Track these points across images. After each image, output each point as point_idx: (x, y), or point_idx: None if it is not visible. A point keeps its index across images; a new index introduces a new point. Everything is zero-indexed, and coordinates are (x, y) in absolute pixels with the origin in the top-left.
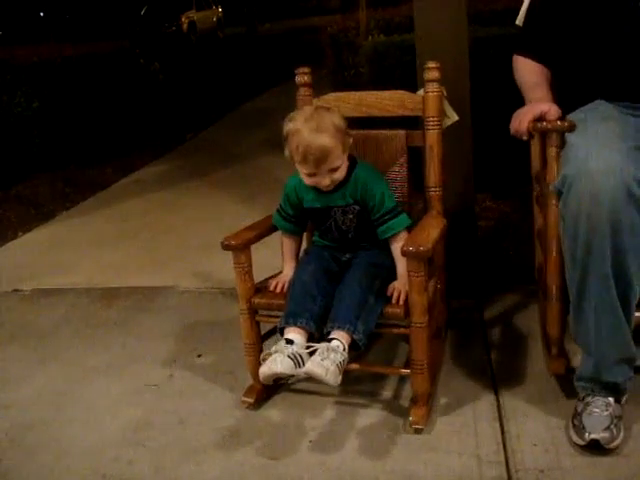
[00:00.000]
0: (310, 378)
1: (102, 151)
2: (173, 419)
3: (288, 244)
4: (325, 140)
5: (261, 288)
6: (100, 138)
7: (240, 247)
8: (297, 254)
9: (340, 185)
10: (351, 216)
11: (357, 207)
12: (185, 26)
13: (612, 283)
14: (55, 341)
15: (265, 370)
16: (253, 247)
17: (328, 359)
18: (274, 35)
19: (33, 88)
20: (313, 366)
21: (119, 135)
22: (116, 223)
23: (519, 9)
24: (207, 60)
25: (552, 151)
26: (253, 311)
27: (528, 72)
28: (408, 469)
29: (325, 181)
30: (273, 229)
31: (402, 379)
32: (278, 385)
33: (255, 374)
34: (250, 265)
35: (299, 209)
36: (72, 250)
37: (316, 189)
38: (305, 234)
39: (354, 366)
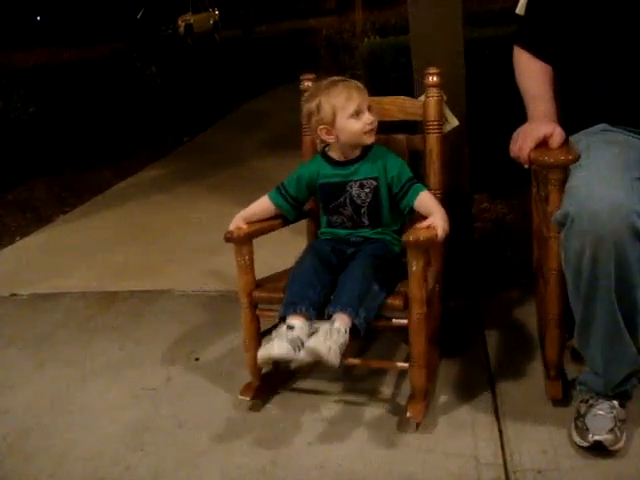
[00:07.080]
0: (310, 373)
1: (99, 155)
2: (171, 422)
3: (263, 204)
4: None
5: (261, 283)
6: (97, 142)
7: (242, 239)
8: (260, 220)
9: (359, 158)
10: (367, 190)
11: (375, 182)
12: (182, 29)
13: (619, 316)
14: (53, 345)
15: (262, 353)
16: None
17: (330, 339)
18: (270, 37)
19: (30, 92)
20: (316, 344)
21: (116, 139)
22: (113, 227)
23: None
24: (204, 63)
25: (554, 185)
26: (253, 305)
27: (533, 78)
28: (406, 471)
29: (370, 117)
30: (276, 226)
31: (400, 380)
32: (277, 384)
33: (253, 371)
34: (251, 259)
35: (305, 191)
36: (69, 254)
37: (334, 164)
38: (308, 227)
39: (354, 361)
